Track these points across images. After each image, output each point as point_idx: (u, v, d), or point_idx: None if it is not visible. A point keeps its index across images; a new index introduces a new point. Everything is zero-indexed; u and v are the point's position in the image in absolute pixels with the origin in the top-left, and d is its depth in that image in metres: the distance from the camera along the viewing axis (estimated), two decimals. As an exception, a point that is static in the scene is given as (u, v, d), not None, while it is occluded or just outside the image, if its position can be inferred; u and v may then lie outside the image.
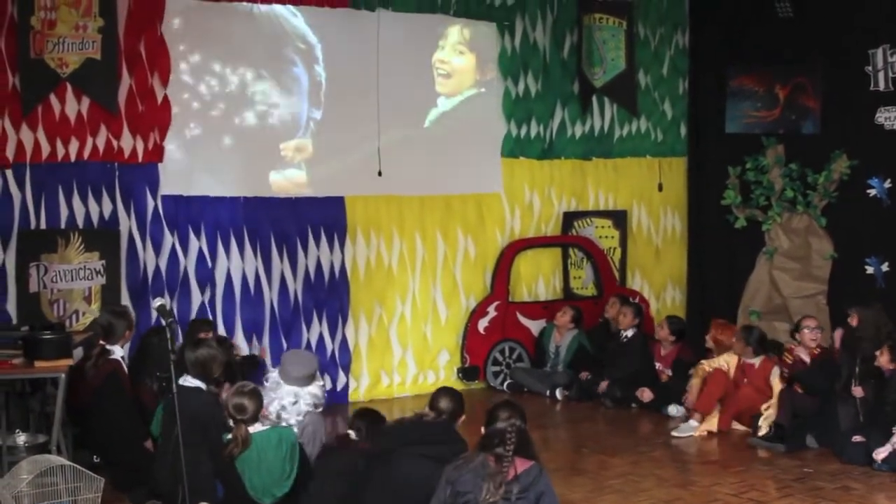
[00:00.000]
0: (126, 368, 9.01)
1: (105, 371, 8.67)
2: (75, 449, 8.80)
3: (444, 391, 7.32)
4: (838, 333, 10.91)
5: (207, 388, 7.75)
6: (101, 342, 8.88)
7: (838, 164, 13.20)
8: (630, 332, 12.22)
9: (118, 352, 8.89)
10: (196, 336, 9.19)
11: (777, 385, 10.46)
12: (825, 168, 13.31)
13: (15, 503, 6.98)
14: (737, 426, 10.61)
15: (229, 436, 7.06)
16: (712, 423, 10.48)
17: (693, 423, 10.56)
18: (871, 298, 11.12)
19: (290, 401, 7.99)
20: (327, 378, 11.90)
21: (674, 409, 11.24)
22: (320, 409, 8.22)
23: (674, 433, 10.50)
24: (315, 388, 8.13)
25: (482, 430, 6.25)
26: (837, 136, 13.25)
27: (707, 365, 11.03)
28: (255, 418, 7.13)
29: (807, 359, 10.24)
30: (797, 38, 13.41)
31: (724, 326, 11.69)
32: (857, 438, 9.38)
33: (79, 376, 8.63)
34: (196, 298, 11.37)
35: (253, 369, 9.56)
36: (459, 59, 13.20)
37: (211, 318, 11.29)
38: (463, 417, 7.23)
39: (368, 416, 7.70)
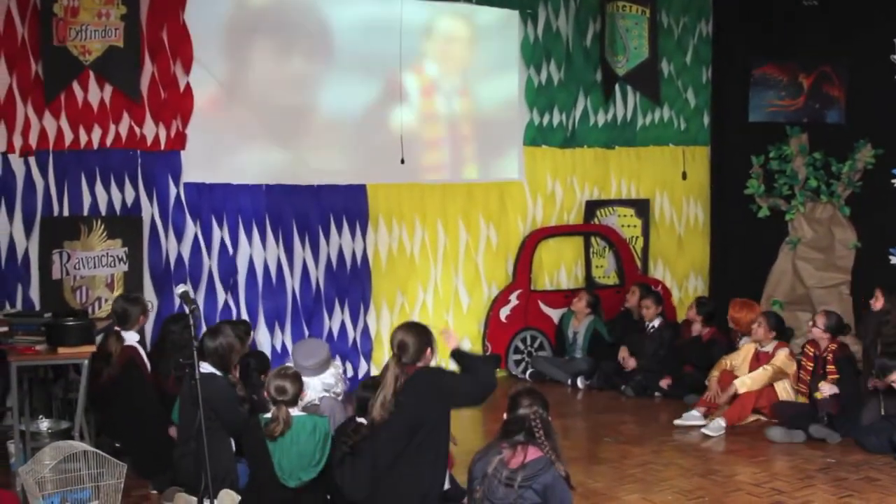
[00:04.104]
0: (144, 354, 9.03)
1: (123, 358, 8.70)
2: (97, 435, 8.86)
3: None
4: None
5: (224, 375, 7.77)
6: (117, 328, 8.93)
7: (862, 153, 13.16)
8: (656, 322, 12.20)
9: (132, 337, 8.93)
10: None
11: (779, 362, 10.46)
12: (849, 157, 13.27)
13: (38, 489, 7.01)
14: (757, 417, 10.55)
15: (268, 415, 7.07)
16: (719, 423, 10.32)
17: (695, 412, 10.49)
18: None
19: None
20: (349, 365, 11.94)
21: (691, 398, 11.18)
22: (339, 395, 8.20)
23: (676, 421, 10.47)
24: (327, 376, 8.12)
25: (504, 416, 6.25)
26: (862, 126, 13.20)
27: (727, 361, 10.96)
28: (294, 401, 7.13)
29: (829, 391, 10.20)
30: (821, 26, 13.36)
31: (741, 305, 11.62)
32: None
33: (97, 364, 8.66)
34: (218, 286, 11.39)
35: (261, 365, 9.46)
36: (480, 46, 13.18)
37: (233, 305, 11.39)
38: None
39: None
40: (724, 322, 11.86)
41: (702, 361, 11.54)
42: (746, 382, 10.40)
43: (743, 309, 11.50)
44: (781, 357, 10.52)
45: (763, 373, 10.45)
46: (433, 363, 7.15)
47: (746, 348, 10.90)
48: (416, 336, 6.94)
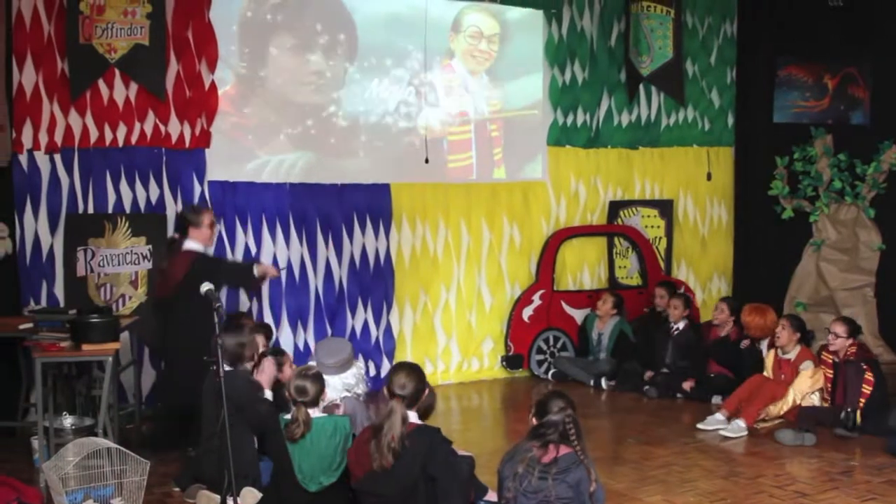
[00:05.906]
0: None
1: (185, 260, 8.94)
2: (120, 430, 8.89)
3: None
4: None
5: (238, 368, 7.78)
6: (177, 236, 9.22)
7: (887, 154, 13.11)
8: (681, 324, 12.15)
9: (195, 245, 9.13)
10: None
11: (806, 377, 10.39)
12: (874, 159, 13.22)
13: (62, 485, 7.05)
14: (780, 419, 10.49)
15: (287, 416, 7.07)
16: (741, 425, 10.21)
17: (719, 416, 10.42)
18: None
19: None
20: (371, 364, 11.96)
21: (717, 399, 11.16)
22: (360, 396, 8.18)
23: (699, 425, 10.40)
24: (348, 376, 8.10)
25: (532, 420, 6.23)
26: (887, 127, 13.16)
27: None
28: (315, 402, 7.10)
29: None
30: (846, 27, 13.31)
31: (752, 309, 11.55)
32: None
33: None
34: (241, 284, 11.41)
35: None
36: (505, 46, 13.18)
37: (256, 304, 11.39)
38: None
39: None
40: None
41: (731, 361, 11.54)
42: (778, 406, 10.36)
43: (753, 313, 11.41)
44: (805, 381, 10.42)
45: (790, 398, 10.38)
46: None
47: (769, 355, 10.85)
48: (415, 378, 6.71)
